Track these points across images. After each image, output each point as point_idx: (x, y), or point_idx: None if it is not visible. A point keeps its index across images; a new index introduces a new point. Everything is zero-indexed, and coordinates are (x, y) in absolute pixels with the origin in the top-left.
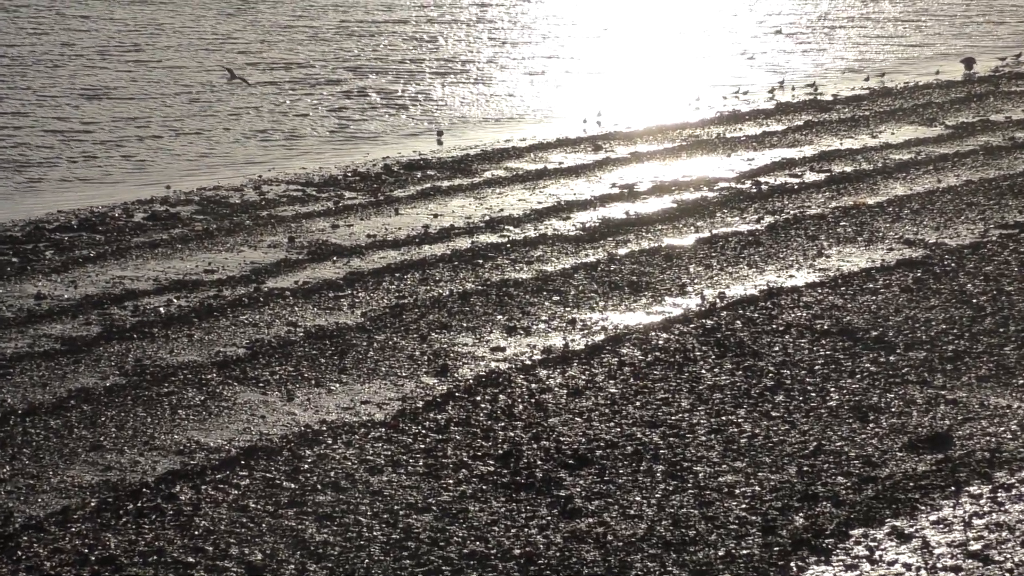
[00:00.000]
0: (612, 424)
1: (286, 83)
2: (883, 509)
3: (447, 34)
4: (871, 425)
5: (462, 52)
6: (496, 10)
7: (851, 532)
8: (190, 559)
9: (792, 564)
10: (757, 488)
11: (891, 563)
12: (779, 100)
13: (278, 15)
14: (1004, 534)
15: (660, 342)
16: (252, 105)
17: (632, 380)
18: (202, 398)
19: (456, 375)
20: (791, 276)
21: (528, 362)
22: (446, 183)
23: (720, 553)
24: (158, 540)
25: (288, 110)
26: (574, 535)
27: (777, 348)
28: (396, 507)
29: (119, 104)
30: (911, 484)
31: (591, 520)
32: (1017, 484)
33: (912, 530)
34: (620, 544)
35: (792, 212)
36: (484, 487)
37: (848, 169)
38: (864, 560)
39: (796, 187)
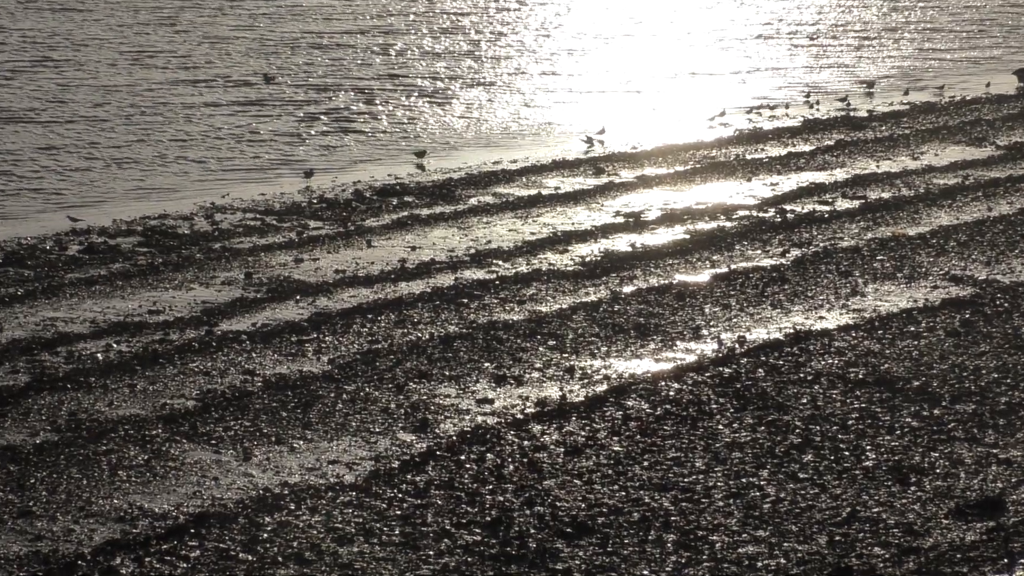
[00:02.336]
0: (616, 487)
1: (237, 102)
2: None
3: (424, 45)
4: (912, 488)
5: (443, 64)
6: (476, 18)
7: None
8: None
9: None
10: (782, 560)
11: None
12: (807, 117)
13: (214, 26)
14: None
15: (671, 393)
16: (200, 126)
17: (639, 437)
18: (146, 457)
19: (437, 431)
20: (821, 318)
21: (520, 416)
22: (426, 211)
23: None
24: None
25: (242, 130)
26: None
27: (805, 400)
28: None
29: (36, 129)
30: (958, 556)
31: None
32: None
33: None
34: None
35: (822, 244)
36: (469, 559)
37: (886, 195)
38: None
39: (826, 216)
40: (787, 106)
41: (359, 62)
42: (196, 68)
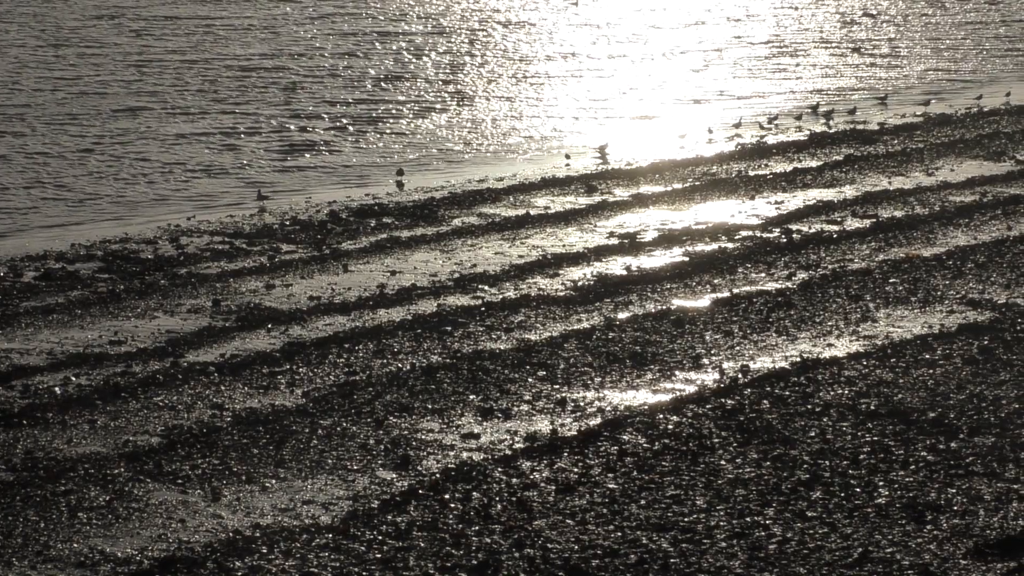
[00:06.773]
0: (611, 527)
1: (196, 129)
2: None
3: (404, 56)
4: (929, 527)
5: (422, 81)
6: (459, 29)
7: None
8: None
9: None
10: None
11: None
12: (814, 130)
13: (153, 49)
14: None
15: (670, 426)
16: (163, 148)
17: (636, 473)
18: (107, 498)
19: (420, 468)
20: (830, 345)
21: (508, 452)
22: (406, 233)
23: None
24: None
25: (208, 148)
26: None
27: (813, 433)
28: None
29: None
30: None
31: None
32: None
33: None
34: None
35: (830, 267)
36: None
37: (898, 214)
38: None
39: (835, 236)
40: (790, 119)
41: (318, 81)
42: (139, 95)
